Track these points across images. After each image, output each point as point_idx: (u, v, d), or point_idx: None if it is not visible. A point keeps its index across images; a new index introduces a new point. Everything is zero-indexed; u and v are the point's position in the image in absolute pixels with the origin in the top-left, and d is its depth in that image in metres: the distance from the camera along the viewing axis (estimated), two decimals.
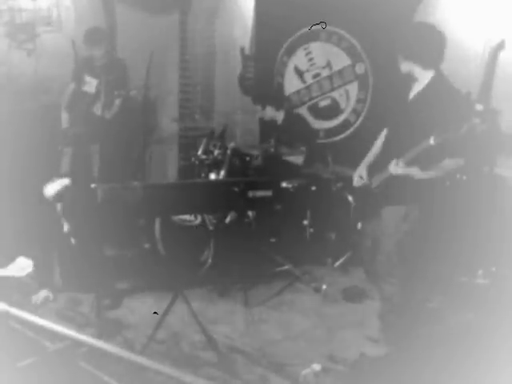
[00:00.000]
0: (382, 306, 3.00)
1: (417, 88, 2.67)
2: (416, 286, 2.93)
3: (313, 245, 4.01)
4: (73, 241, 3.44)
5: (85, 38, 4.13)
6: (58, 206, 3.48)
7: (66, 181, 3.55)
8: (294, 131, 4.37)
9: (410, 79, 2.67)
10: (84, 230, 3.38)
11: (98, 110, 4.17)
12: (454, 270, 3.49)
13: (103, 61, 4.17)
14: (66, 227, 3.48)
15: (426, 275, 2.98)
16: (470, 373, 2.55)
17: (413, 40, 2.60)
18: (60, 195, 3.41)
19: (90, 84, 4.18)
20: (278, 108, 4.47)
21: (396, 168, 2.64)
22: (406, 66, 2.64)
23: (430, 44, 2.57)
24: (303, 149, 4.28)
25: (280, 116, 4.47)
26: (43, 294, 3.34)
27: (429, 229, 2.84)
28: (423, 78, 2.62)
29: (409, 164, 2.60)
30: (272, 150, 4.10)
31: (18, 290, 3.36)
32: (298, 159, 4.28)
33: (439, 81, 2.60)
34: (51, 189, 3.52)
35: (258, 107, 4.53)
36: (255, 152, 4.19)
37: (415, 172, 2.61)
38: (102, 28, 4.48)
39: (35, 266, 3.51)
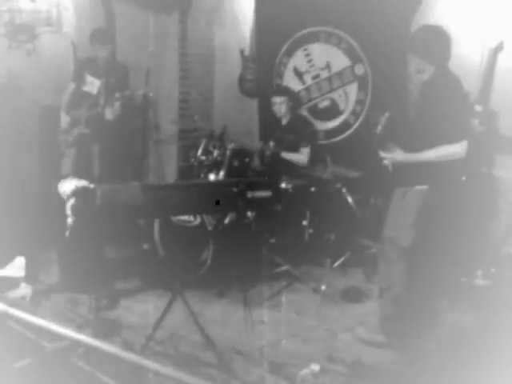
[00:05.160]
0: (381, 307, 3.00)
1: (422, 79, 2.87)
2: (417, 287, 2.93)
3: (312, 245, 4.01)
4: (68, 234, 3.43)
5: (91, 38, 4.14)
6: (70, 203, 3.45)
7: (82, 181, 3.54)
8: (298, 132, 4.38)
9: (417, 74, 2.88)
10: (86, 229, 3.38)
11: (101, 110, 4.17)
12: (453, 270, 3.49)
13: (106, 61, 4.18)
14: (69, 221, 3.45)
15: (428, 276, 2.98)
16: (469, 374, 2.55)
17: (421, 39, 2.87)
18: (76, 192, 3.39)
19: (92, 84, 4.18)
20: (293, 106, 4.48)
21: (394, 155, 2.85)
22: (414, 62, 2.86)
23: (436, 42, 2.82)
24: (307, 149, 4.29)
25: (286, 116, 4.48)
26: (22, 291, 3.33)
27: (429, 230, 2.85)
28: (428, 70, 2.82)
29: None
30: (271, 150, 4.10)
31: None
32: (302, 159, 4.29)
33: (443, 72, 2.82)
34: (66, 186, 3.51)
35: (278, 99, 4.45)
36: (254, 153, 4.19)
37: (413, 157, 2.81)
38: (107, 29, 4.50)
39: (27, 263, 3.50)
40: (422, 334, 2.94)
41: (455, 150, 2.74)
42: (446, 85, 2.80)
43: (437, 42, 2.81)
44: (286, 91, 4.63)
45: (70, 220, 3.43)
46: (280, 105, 4.45)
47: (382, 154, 2.88)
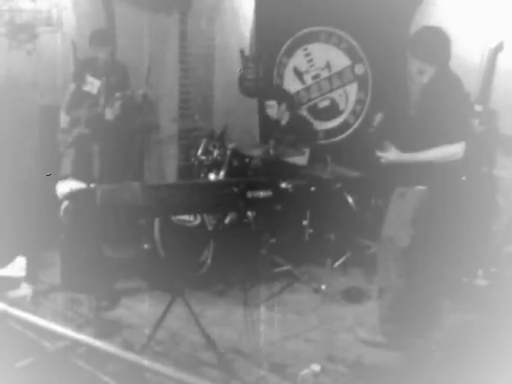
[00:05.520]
0: (380, 307, 3.00)
1: (423, 80, 2.86)
2: (417, 288, 2.94)
3: (312, 245, 4.01)
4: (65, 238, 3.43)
5: (90, 39, 4.13)
6: (64, 205, 3.46)
7: (79, 184, 3.53)
8: (298, 132, 4.37)
9: (418, 75, 2.87)
10: (84, 230, 3.38)
11: (101, 110, 4.17)
12: (454, 270, 3.49)
13: (106, 62, 4.18)
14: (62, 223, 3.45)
15: (428, 276, 2.98)
16: (470, 374, 2.55)
17: (421, 41, 2.86)
18: (71, 195, 3.39)
19: (93, 84, 4.18)
20: (289, 107, 4.47)
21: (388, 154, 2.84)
22: (415, 64, 2.86)
23: (436, 44, 2.82)
24: (306, 149, 4.28)
25: (285, 117, 4.47)
26: (23, 291, 3.32)
27: (428, 230, 2.85)
28: (429, 71, 2.82)
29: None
30: (272, 150, 4.10)
31: None
32: (301, 160, 4.28)
33: (444, 72, 2.82)
34: (63, 187, 3.51)
35: (271, 103, 4.47)
36: (255, 153, 4.19)
37: (408, 157, 2.80)
38: (107, 30, 4.49)
39: (28, 263, 3.50)
40: (422, 334, 2.94)
41: (453, 150, 2.73)
42: (446, 85, 2.80)
43: (437, 43, 2.82)
44: (276, 95, 4.59)
45: (62, 221, 3.44)
46: (271, 108, 4.45)
47: (378, 153, 2.89)
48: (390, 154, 2.86)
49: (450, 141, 2.72)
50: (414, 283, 2.90)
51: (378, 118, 3.00)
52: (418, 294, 2.92)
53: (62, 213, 3.45)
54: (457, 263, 3.41)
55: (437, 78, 2.81)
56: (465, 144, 2.72)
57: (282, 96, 4.59)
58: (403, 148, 2.84)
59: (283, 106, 4.44)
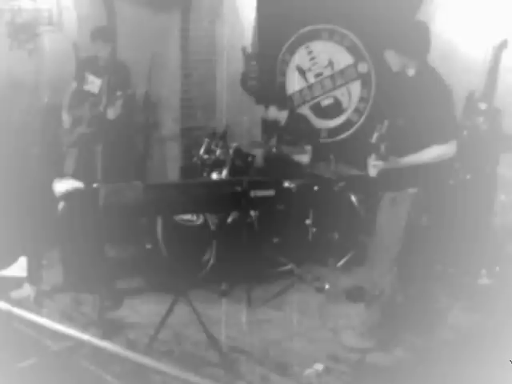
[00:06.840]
0: (371, 312, 2.96)
1: (408, 74, 2.80)
2: (419, 287, 2.93)
3: (315, 244, 4.01)
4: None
5: (91, 36, 4.13)
6: (61, 205, 3.46)
7: (77, 183, 3.51)
8: (297, 131, 4.36)
9: (402, 71, 2.80)
10: (81, 230, 3.37)
11: (103, 109, 4.17)
12: (457, 269, 3.48)
13: (107, 60, 4.17)
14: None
15: (430, 275, 2.97)
16: (474, 373, 2.55)
17: (402, 35, 2.81)
18: (68, 195, 3.38)
19: (93, 83, 4.18)
20: (280, 108, 4.46)
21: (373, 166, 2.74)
22: (397, 59, 2.79)
23: (417, 36, 2.75)
24: (308, 148, 4.27)
25: (283, 116, 4.46)
26: (25, 291, 3.33)
27: (431, 228, 2.84)
28: (411, 68, 2.77)
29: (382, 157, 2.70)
30: (274, 149, 4.09)
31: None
32: (304, 158, 4.28)
33: (426, 69, 2.76)
34: (61, 186, 3.50)
35: (262, 107, 4.52)
36: (257, 151, 4.19)
37: (394, 163, 2.71)
38: (108, 27, 4.49)
39: (30, 263, 3.50)
40: (421, 335, 2.92)
41: (443, 151, 2.65)
42: (430, 80, 2.72)
43: (416, 35, 2.74)
44: (267, 99, 4.61)
45: (60, 221, 3.43)
46: (266, 112, 4.47)
47: (373, 161, 2.76)
48: (389, 163, 2.73)
49: (441, 140, 2.62)
50: (408, 288, 2.87)
51: (383, 127, 2.88)
52: (412, 297, 2.89)
53: (59, 213, 3.44)
54: (459, 262, 3.41)
55: (420, 72, 2.73)
56: (455, 143, 2.65)
57: (273, 99, 4.58)
58: (395, 151, 2.73)
59: (273, 109, 4.45)
